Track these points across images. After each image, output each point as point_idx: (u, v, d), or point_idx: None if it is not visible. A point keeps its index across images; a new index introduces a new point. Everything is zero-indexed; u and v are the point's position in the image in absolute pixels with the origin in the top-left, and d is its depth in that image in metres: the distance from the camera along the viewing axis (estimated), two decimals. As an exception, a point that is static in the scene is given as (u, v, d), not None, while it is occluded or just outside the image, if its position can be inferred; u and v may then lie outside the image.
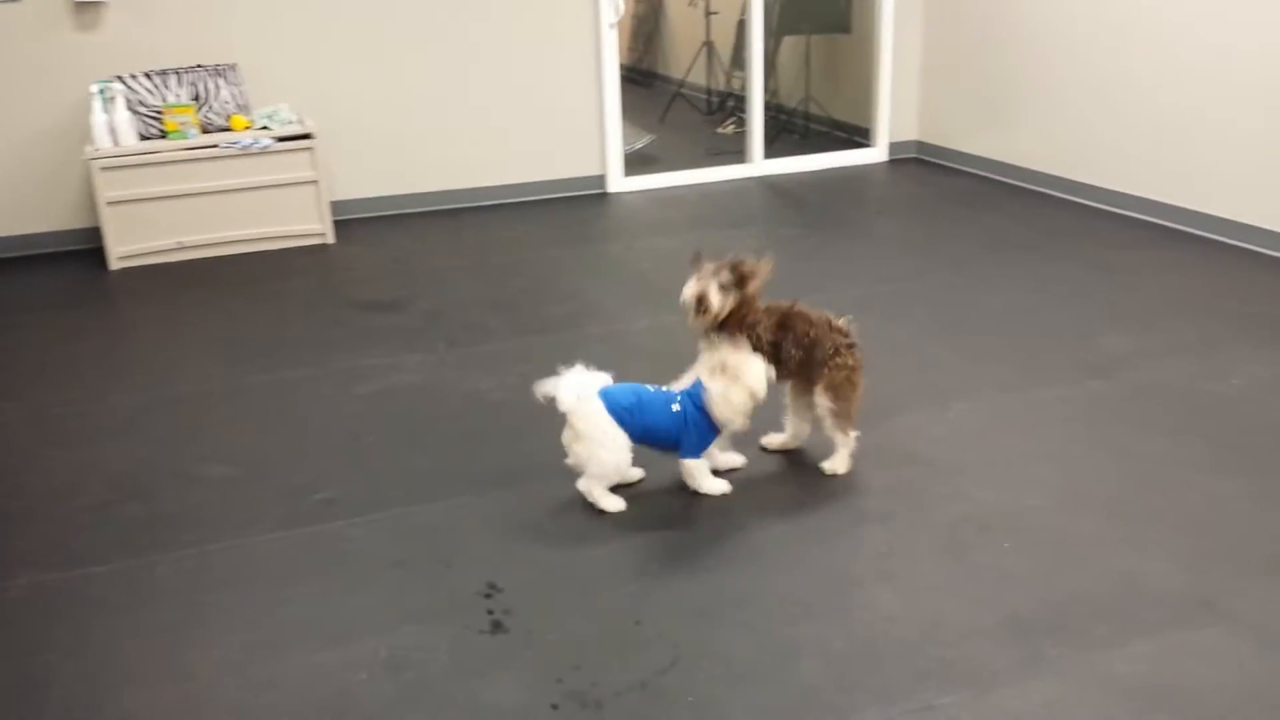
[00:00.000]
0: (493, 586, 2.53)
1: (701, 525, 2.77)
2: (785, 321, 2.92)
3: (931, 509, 2.79)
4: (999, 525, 2.70)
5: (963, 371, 3.63)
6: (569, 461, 2.85)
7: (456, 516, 2.85)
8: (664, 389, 2.88)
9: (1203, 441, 3.09)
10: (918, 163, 6.89)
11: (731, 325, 2.89)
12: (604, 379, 2.82)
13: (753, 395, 2.77)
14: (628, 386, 2.84)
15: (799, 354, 2.90)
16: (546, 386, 2.77)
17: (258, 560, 2.68)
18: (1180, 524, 2.68)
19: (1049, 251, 4.89)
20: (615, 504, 2.84)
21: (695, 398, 2.81)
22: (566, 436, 2.83)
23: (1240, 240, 4.85)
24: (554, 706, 2.12)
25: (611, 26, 6.15)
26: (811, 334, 2.89)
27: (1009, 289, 4.41)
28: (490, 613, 2.43)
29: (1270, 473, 2.90)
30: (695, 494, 2.90)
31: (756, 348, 2.87)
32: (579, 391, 2.77)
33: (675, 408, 2.82)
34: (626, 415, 2.78)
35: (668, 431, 2.83)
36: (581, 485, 2.86)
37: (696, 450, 2.86)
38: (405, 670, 2.25)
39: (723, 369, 2.78)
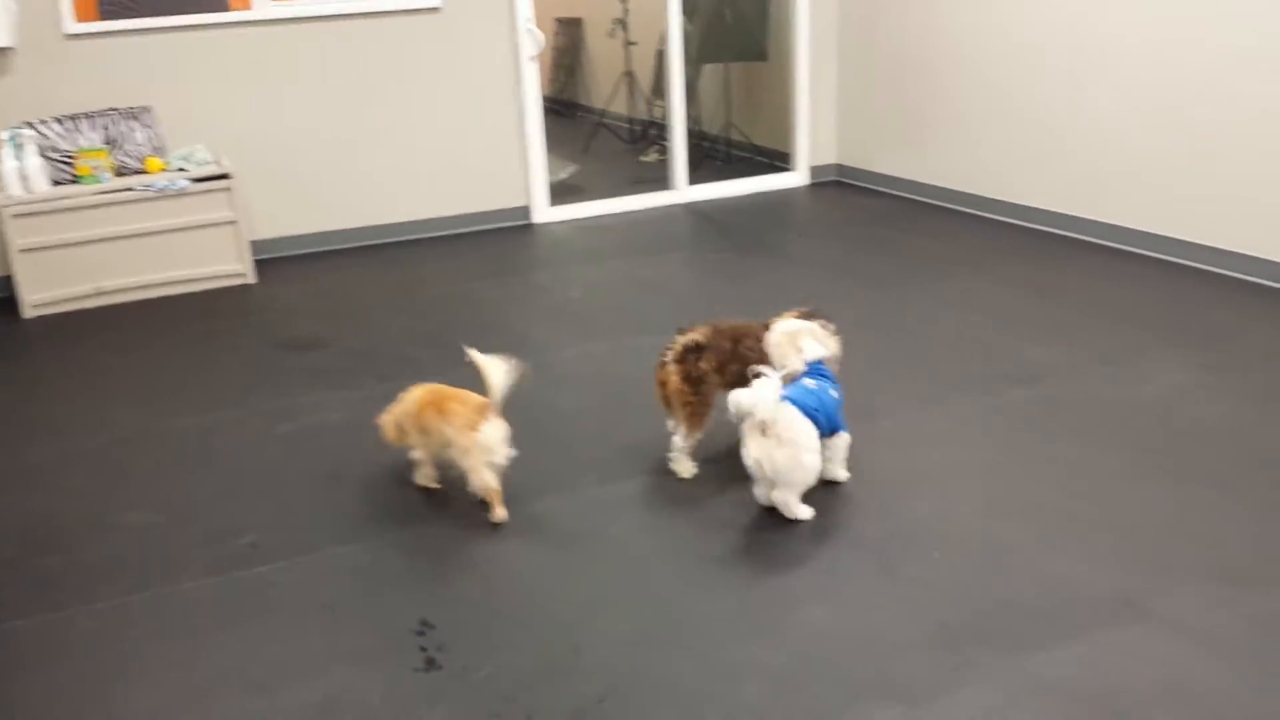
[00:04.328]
0: (425, 624, 2.49)
1: (633, 551, 2.76)
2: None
3: (863, 524, 2.82)
4: (928, 537, 2.73)
5: (888, 387, 3.67)
6: (760, 473, 2.81)
7: (385, 555, 2.80)
8: (804, 382, 2.89)
9: (1123, 447, 3.16)
10: (838, 185, 7.00)
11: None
12: (778, 384, 2.76)
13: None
14: (796, 385, 2.86)
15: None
16: (740, 401, 2.72)
17: (182, 609, 2.62)
18: (1103, 527, 2.74)
19: (968, 268, 4.99)
20: (808, 511, 2.85)
21: (830, 378, 2.93)
22: (760, 448, 2.76)
23: (1153, 251, 5.00)
24: (490, 742, 2.10)
25: (532, 59, 6.18)
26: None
27: (930, 306, 4.49)
28: (424, 650, 2.40)
29: (1189, 475, 2.98)
30: (628, 521, 2.90)
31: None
32: (775, 398, 2.72)
33: (834, 393, 2.91)
34: (816, 414, 2.80)
35: (836, 418, 2.91)
36: (777, 498, 2.84)
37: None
38: (338, 714, 2.20)
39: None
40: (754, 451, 2.77)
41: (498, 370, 2.87)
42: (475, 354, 2.86)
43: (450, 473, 3.08)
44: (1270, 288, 4.43)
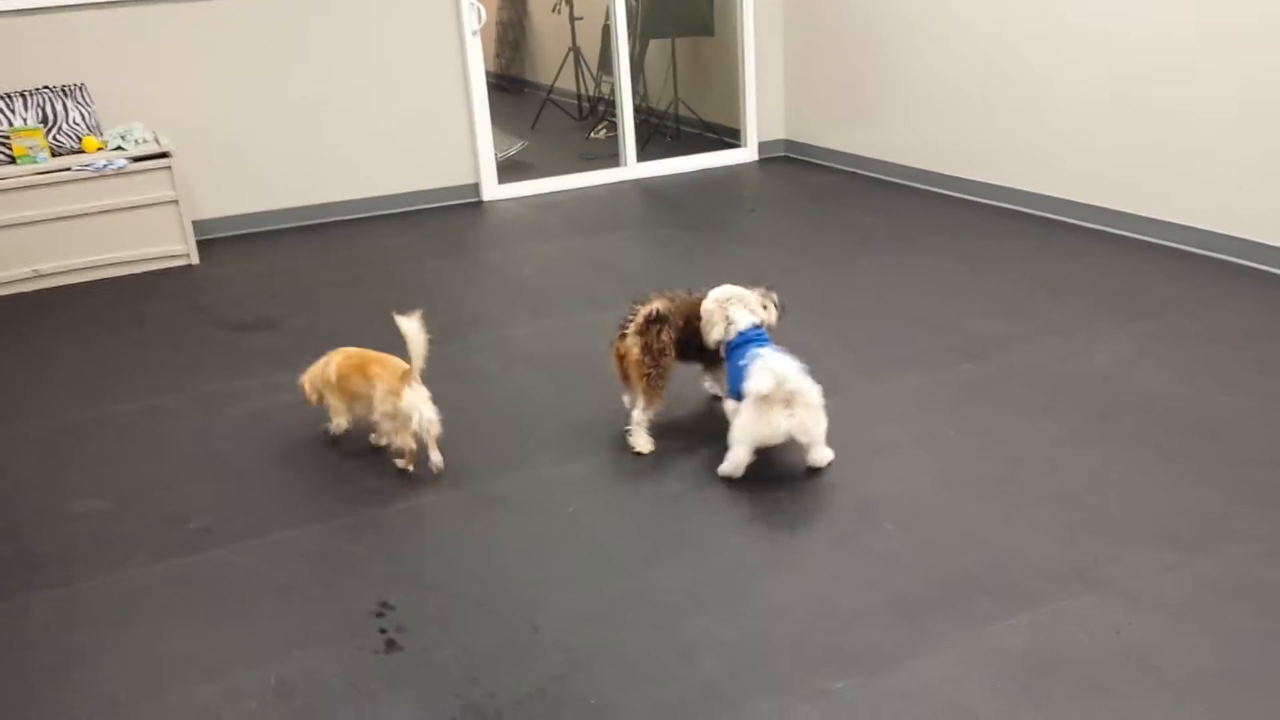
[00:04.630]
0: (384, 605, 2.48)
1: (591, 528, 2.77)
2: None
3: (815, 498, 2.85)
4: (881, 510, 2.77)
5: (838, 362, 3.70)
6: (800, 438, 2.85)
7: (341, 537, 2.78)
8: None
9: (1073, 416, 3.22)
10: (787, 160, 7.02)
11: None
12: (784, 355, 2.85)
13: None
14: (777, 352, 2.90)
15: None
16: (760, 382, 2.73)
17: (134, 595, 2.58)
18: (1054, 498, 2.79)
19: (916, 242, 5.04)
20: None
21: (769, 342, 3.00)
22: (788, 419, 2.79)
23: (1099, 224, 5.08)
24: (453, 721, 2.10)
25: (475, 34, 6.11)
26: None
27: (879, 281, 4.53)
28: (383, 631, 2.39)
29: (1136, 443, 3.04)
30: (586, 498, 2.91)
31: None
32: (794, 369, 2.79)
33: None
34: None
35: None
36: (817, 456, 2.92)
37: None
38: (296, 697, 2.19)
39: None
40: (783, 425, 2.80)
41: (418, 335, 2.93)
42: (401, 320, 2.92)
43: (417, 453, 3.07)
44: (1213, 259, 4.53)
